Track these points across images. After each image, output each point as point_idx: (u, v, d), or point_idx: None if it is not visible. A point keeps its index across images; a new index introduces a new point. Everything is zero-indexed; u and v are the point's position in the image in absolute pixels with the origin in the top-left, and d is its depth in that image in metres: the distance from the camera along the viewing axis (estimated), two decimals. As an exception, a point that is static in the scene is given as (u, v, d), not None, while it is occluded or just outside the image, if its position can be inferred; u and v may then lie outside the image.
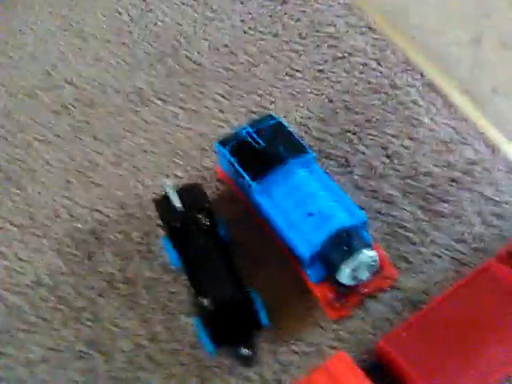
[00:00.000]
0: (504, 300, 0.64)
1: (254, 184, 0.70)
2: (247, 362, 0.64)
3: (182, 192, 0.68)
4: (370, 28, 1.00)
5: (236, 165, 0.72)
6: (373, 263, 0.62)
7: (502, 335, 0.62)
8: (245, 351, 0.64)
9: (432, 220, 0.77)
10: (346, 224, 0.67)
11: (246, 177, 0.70)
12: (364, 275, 0.63)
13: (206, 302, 0.61)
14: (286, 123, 0.78)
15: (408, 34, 1.01)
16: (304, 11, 1.03)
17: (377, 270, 0.64)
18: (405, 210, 0.78)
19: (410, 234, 0.75)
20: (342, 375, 0.59)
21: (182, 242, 0.66)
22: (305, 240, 0.63)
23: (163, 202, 0.68)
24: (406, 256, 0.74)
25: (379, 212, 0.77)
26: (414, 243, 0.74)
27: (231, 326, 0.63)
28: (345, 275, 0.61)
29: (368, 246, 0.63)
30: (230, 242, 0.70)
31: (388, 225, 0.77)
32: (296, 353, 0.66)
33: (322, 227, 0.63)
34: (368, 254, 0.62)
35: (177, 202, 0.65)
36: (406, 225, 0.77)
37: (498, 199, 0.78)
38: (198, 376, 0.66)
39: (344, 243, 0.62)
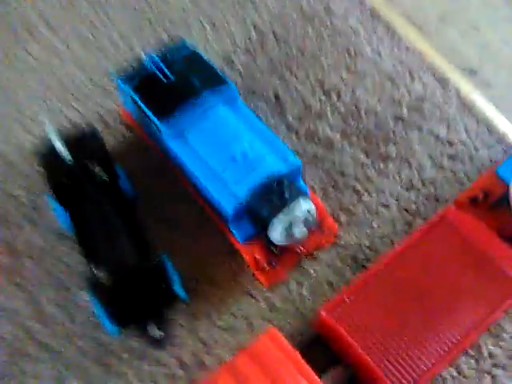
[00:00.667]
0: (466, 253, 0.54)
1: (162, 125, 0.57)
2: (161, 343, 0.52)
3: (73, 140, 0.54)
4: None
5: (140, 103, 0.58)
6: (310, 217, 0.54)
7: (465, 295, 0.52)
8: (157, 331, 0.51)
9: (377, 165, 0.65)
10: (277, 171, 0.55)
11: (152, 117, 0.57)
12: (300, 232, 0.53)
13: (101, 273, 0.48)
14: (202, 53, 0.64)
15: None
16: None
17: (315, 225, 0.56)
18: (345, 153, 0.66)
19: (353, 182, 0.64)
20: (272, 358, 0.49)
21: (72, 201, 0.52)
22: (228, 192, 0.54)
23: (48, 153, 0.54)
24: (348, 207, 0.64)
25: (316, 157, 0.66)
26: (356, 192, 0.63)
27: (137, 302, 0.50)
28: (277, 232, 0.53)
29: (304, 196, 0.51)
30: (135, 199, 0.57)
31: (326, 172, 0.65)
32: (221, 329, 0.56)
33: (249, 175, 0.54)
34: (304, 207, 0.53)
35: (63, 151, 0.51)
36: (348, 171, 0.65)
37: (450, 138, 0.68)
38: (101, 363, 0.53)
39: (275, 194, 0.53)
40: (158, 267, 0.51)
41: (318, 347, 0.54)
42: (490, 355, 0.55)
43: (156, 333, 0.53)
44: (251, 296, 0.58)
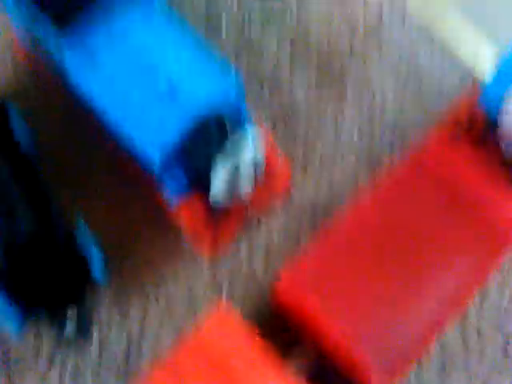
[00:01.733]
0: (450, 201, 0.45)
1: (63, 39, 0.43)
2: (75, 340, 0.41)
3: None
4: None
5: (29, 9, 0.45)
6: (258, 164, 0.44)
7: (448, 252, 0.44)
8: (70, 325, 0.40)
9: (324, 91, 0.55)
10: (214, 102, 0.43)
11: (50, 25, 0.44)
12: (247, 183, 0.44)
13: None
14: None
15: None
16: None
17: (263, 174, 0.46)
18: (298, 90, 0.56)
19: (307, 117, 0.54)
20: (223, 344, 0.39)
21: None
22: (152, 133, 0.42)
23: None
24: (302, 151, 0.53)
25: (261, 84, 0.55)
26: (313, 129, 0.53)
27: (42, 286, 0.38)
28: (218, 184, 0.42)
29: (249, 137, 0.43)
30: (36, 156, 0.44)
31: (276, 107, 0.54)
32: (159, 311, 0.47)
33: (177, 110, 0.42)
34: (251, 151, 0.43)
35: None
36: (300, 105, 0.55)
37: (414, 53, 0.58)
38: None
39: (213, 135, 0.42)
40: (68, 238, 0.40)
41: (277, 326, 0.45)
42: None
43: (72, 328, 0.41)
44: (191, 269, 0.47)
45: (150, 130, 0.43)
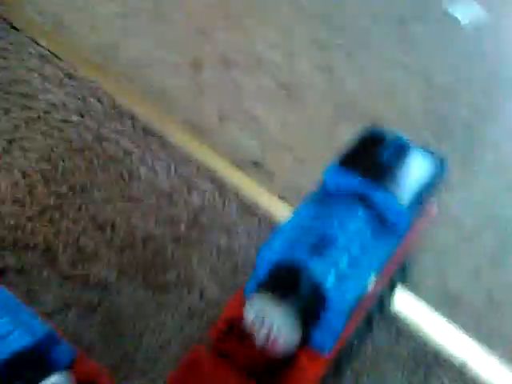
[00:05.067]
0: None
1: None
2: None
3: None
4: (70, 77, 0.84)
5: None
6: None
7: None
8: None
9: (157, 298, 0.61)
10: (21, 346, 0.48)
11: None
12: None
13: None
14: None
15: (117, 72, 0.87)
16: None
17: None
18: (123, 292, 0.62)
19: (129, 325, 0.59)
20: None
21: None
22: None
23: None
24: (127, 351, 0.58)
25: (90, 303, 0.60)
26: (132, 335, 0.58)
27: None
28: None
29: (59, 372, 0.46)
30: None
31: (104, 316, 0.60)
32: None
33: None
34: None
35: None
36: (128, 311, 0.60)
37: (231, 246, 0.65)
38: None
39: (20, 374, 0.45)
40: None
41: None
42: None
43: None
44: None
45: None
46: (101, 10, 0.95)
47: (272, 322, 0.46)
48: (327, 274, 0.48)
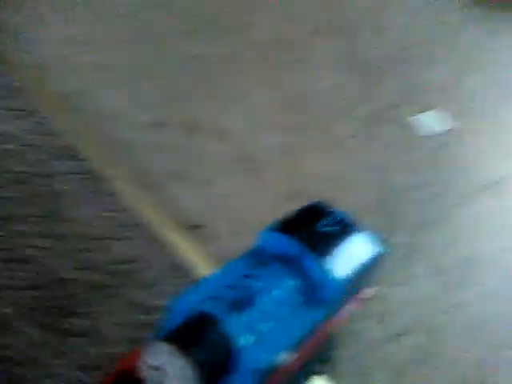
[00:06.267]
0: None
1: None
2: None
3: None
4: (32, 113, 0.82)
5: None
6: None
7: None
8: None
9: (59, 343, 0.55)
10: None
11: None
12: None
13: None
14: None
15: (83, 118, 0.86)
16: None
17: None
18: (20, 333, 0.56)
19: (23, 371, 0.53)
20: None
21: None
22: None
23: None
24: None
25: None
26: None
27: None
28: None
29: None
30: None
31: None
32: None
33: None
34: None
35: None
36: (19, 356, 0.54)
37: (145, 302, 0.60)
38: None
39: None
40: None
41: None
42: None
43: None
44: None
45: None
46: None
47: (168, 372, 0.41)
48: (243, 332, 0.44)
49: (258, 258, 0.51)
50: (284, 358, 0.46)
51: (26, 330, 0.56)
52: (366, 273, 0.54)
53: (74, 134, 0.82)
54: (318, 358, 0.54)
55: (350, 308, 0.54)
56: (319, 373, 0.55)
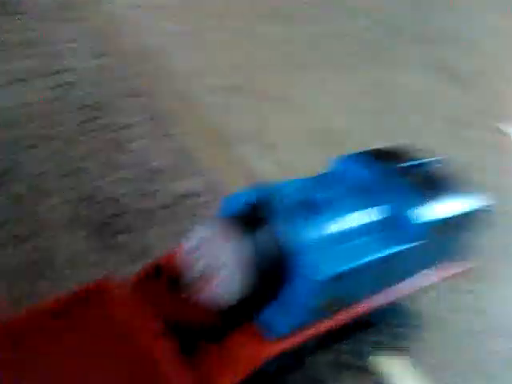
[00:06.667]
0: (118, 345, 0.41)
1: None
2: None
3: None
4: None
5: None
6: None
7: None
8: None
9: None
10: None
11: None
12: None
13: None
14: None
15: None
16: None
17: None
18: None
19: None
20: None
21: None
22: None
23: None
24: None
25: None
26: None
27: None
28: None
29: None
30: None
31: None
32: None
33: None
34: None
35: None
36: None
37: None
38: None
39: None
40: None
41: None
42: None
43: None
44: None
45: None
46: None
47: (216, 255, 0.37)
48: (308, 235, 0.38)
49: (332, 179, 0.47)
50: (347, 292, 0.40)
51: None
52: (465, 227, 0.48)
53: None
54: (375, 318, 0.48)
55: (428, 278, 0.48)
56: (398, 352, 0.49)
